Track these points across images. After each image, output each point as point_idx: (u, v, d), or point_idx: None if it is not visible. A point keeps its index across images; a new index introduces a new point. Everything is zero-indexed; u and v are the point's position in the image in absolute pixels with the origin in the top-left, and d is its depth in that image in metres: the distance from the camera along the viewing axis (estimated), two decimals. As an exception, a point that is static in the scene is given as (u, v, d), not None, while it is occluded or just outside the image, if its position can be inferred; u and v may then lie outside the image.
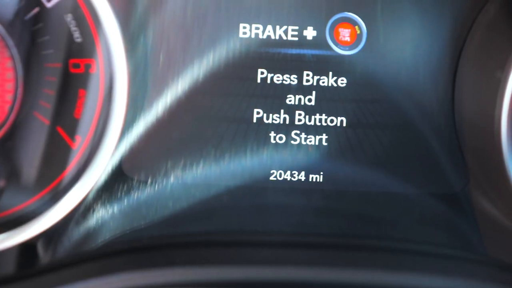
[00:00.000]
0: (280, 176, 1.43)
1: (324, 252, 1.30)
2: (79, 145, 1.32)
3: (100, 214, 1.40)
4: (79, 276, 1.23)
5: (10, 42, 1.28)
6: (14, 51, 1.28)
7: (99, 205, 1.39)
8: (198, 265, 1.22)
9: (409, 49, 1.41)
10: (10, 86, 1.28)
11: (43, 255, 1.32)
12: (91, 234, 1.39)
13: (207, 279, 1.20)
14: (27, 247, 1.32)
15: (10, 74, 1.28)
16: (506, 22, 1.34)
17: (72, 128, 1.32)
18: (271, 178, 1.43)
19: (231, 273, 1.22)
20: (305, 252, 1.29)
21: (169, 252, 1.26)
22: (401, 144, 1.43)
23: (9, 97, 1.29)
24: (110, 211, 1.40)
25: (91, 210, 1.38)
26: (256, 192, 1.43)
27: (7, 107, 1.29)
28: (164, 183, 1.42)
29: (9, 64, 1.28)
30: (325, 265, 1.24)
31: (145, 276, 1.20)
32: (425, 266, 1.26)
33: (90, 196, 1.36)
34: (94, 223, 1.40)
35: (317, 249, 1.31)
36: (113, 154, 1.32)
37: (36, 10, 1.30)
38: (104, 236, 1.39)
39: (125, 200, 1.41)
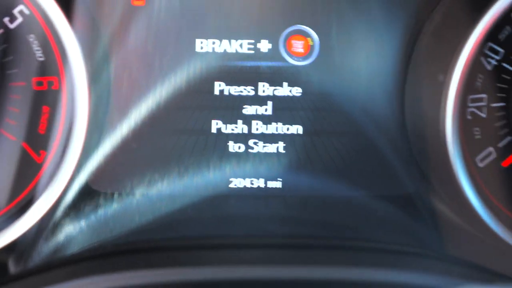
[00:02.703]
0: (240, 183, 1.48)
1: (281, 251, 1.36)
2: (44, 159, 1.37)
3: (68, 228, 1.45)
4: (46, 281, 1.28)
5: (-24, 63, 1.34)
6: (-20, 71, 1.34)
7: (66, 219, 1.44)
8: (159, 267, 1.27)
9: (361, 59, 1.47)
10: (-24, 104, 1.34)
11: (13, 268, 1.37)
12: (59, 248, 1.44)
13: (166, 280, 1.25)
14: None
15: (-25, 93, 1.34)
16: (449, 29, 1.41)
17: (36, 143, 1.38)
18: (231, 185, 1.48)
19: (189, 274, 1.27)
20: (263, 252, 1.35)
21: (131, 256, 1.32)
22: (355, 150, 1.49)
23: (-25, 114, 1.34)
24: (77, 225, 1.45)
25: (59, 225, 1.43)
26: (217, 201, 1.48)
27: (-27, 124, 1.35)
28: (129, 196, 1.46)
29: (-26, 83, 1.34)
30: (283, 263, 1.29)
31: (107, 279, 1.25)
32: (382, 262, 1.32)
33: (57, 210, 1.41)
34: (62, 237, 1.45)
35: (274, 249, 1.36)
36: (77, 167, 1.37)
37: (0, 31, 1.35)
38: (72, 249, 1.44)
39: (92, 214, 1.46)
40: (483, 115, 1.41)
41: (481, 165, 1.42)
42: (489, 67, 1.39)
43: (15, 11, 1.34)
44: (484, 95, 1.41)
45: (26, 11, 1.34)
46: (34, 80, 1.36)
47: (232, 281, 1.27)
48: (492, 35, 1.37)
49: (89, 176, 1.44)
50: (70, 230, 1.44)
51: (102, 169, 1.45)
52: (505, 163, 1.43)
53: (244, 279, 1.26)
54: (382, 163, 1.50)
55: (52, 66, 1.35)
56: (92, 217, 1.45)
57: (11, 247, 1.38)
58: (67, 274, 1.29)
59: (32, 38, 1.35)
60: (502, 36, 1.39)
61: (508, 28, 1.38)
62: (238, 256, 1.36)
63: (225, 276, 1.28)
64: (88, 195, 1.45)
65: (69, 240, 1.44)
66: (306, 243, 1.41)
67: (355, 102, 1.48)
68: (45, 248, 1.42)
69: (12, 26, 1.35)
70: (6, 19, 1.34)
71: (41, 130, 1.37)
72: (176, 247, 1.38)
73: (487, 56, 1.39)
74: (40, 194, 1.36)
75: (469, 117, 1.41)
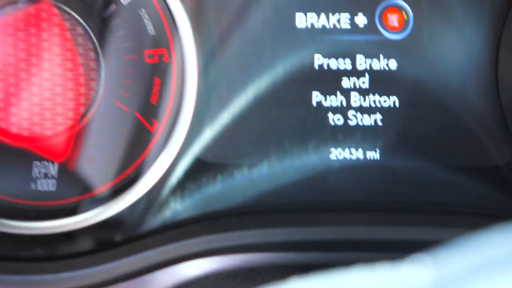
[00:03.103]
0: (340, 154, 1.54)
1: (377, 214, 1.42)
2: (157, 128, 1.45)
3: (174, 201, 1.51)
4: (162, 242, 1.36)
5: (93, 36, 1.42)
6: (97, 44, 1.42)
7: (177, 189, 1.50)
8: (268, 227, 1.34)
9: (453, 34, 1.52)
10: (94, 75, 1.42)
11: (130, 228, 1.44)
12: (165, 220, 1.51)
13: (276, 240, 1.32)
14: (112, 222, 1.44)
15: (93, 64, 1.42)
16: None
17: (149, 113, 1.45)
18: (331, 157, 1.54)
19: (293, 234, 1.34)
20: (361, 215, 1.41)
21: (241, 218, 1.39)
22: (449, 122, 1.53)
23: (93, 85, 1.43)
24: (183, 199, 1.52)
25: (166, 198, 1.50)
26: (317, 172, 1.54)
27: (91, 94, 1.43)
28: (237, 167, 1.53)
29: (92, 55, 1.42)
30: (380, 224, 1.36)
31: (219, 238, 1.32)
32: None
33: (168, 180, 1.48)
34: (168, 210, 1.52)
35: (370, 212, 1.43)
36: (187, 137, 1.45)
37: (113, 7, 1.43)
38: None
39: (197, 189, 1.52)
40: None
41: None
42: None
43: (128, -12, 1.42)
44: None
45: None
46: (145, 52, 1.43)
47: (334, 241, 1.33)
48: None
49: (198, 149, 1.50)
50: (176, 203, 1.50)
51: (211, 140, 1.51)
52: None
53: (344, 239, 1.33)
54: (475, 134, 1.54)
55: (162, 39, 1.43)
56: (198, 190, 1.51)
57: (120, 217, 1.45)
58: (178, 235, 1.36)
59: (143, 12, 1.43)
60: None
61: None
62: (338, 218, 1.43)
63: (328, 236, 1.34)
64: (194, 169, 1.51)
65: (175, 214, 1.51)
66: (400, 207, 1.47)
67: (449, 74, 1.52)
68: (152, 221, 1.49)
69: (124, 1, 1.42)
70: (119, -5, 1.42)
71: (153, 100, 1.44)
72: (283, 210, 1.45)
73: None
74: (154, 162, 1.43)
75: None
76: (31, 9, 1.41)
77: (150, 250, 1.38)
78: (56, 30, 1.42)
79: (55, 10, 1.41)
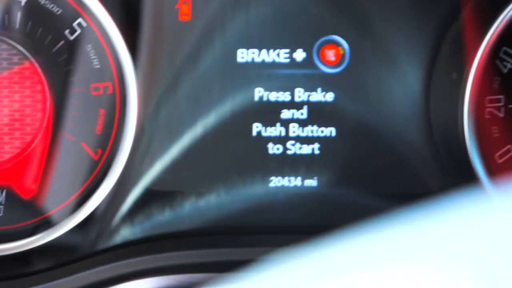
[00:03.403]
0: (279, 182, 1.62)
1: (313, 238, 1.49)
2: (100, 156, 1.54)
3: (123, 229, 1.60)
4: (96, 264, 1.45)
5: (41, 71, 1.51)
6: (45, 78, 1.51)
7: (122, 221, 1.59)
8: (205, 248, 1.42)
9: (388, 66, 1.60)
10: (40, 106, 1.51)
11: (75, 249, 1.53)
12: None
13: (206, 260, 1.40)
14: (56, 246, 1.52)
15: (40, 96, 1.51)
16: (466, 36, 1.53)
17: (94, 142, 1.54)
18: (271, 184, 1.62)
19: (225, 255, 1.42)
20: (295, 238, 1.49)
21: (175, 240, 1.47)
22: (384, 150, 1.61)
23: (39, 115, 1.52)
24: (132, 226, 1.60)
25: (116, 226, 1.59)
26: (258, 200, 1.62)
27: (37, 124, 1.52)
28: (178, 194, 1.61)
29: (39, 88, 1.51)
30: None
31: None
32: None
33: (113, 210, 1.57)
34: (118, 237, 1.60)
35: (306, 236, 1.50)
36: (128, 164, 1.53)
37: (61, 43, 1.53)
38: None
39: (145, 216, 1.61)
40: (501, 114, 1.53)
41: (500, 161, 1.53)
42: (505, 70, 1.51)
43: (75, 24, 1.51)
44: (501, 96, 1.52)
45: (84, 24, 1.51)
46: (91, 85, 1.52)
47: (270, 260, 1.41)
48: (506, 39, 1.49)
49: (148, 176, 1.59)
50: (125, 232, 1.59)
51: (159, 169, 1.59)
52: None
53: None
54: (409, 163, 1.62)
55: (107, 72, 1.52)
56: (146, 220, 1.60)
57: (66, 239, 1.54)
58: (115, 256, 1.45)
59: (89, 48, 1.52)
60: (516, 41, 1.51)
61: (522, 33, 1.51)
62: (273, 240, 1.51)
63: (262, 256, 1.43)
64: (140, 196, 1.59)
65: (123, 241, 1.59)
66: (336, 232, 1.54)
67: (384, 105, 1.61)
68: (99, 247, 1.58)
69: (71, 37, 1.52)
70: (66, 32, 1.51)
71: (98, 130, 1.53)
72: (217, 232, 1.53)
73: (502, 60, 1.51)
74: (97, 189, 1.52)
75: (487, 116, 1.52)
76: (-22, 43, 1.51)
77: (84, 271, 1.46)
78: (5, 64, 1.51)
79: (3, 45, 1.50)
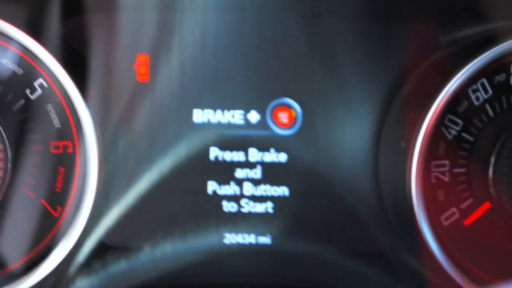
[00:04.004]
0: (233, 239, 1.67)
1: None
2: (60, 214, 1.57)
3: (80, 281, 1.63)
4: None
5: (1, 129, 1.54)
6: (4, 136, 1.54)
7: (78, 272, 1.62)
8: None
9: (339, 128, 1.66)
10: (1, 164, 1.54)
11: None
12: None
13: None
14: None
15: (1, 155, 1.54)
16: (413, 103, 1.60)
17: (54, 200, 1.57)
18: (225, 241, 1.67)
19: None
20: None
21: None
22: (335, 211, 1.66)
23: (1, 173, 1.55)
24: (89, 279, 1.64)
25: (72, 277, 1.62)
26: (212, 256, 1.67)
27: (-1, 182, 1.55)
28: (134, 251, 1.65)
29: (0, 146, 1.54)
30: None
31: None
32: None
33: (71, 263, 1.60)
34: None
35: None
36: (89, 222, 1.57)
37: (22, 101, 1.56)
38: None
39: (102, 268, 1.64)
40: (446, 179, 1.59)
41: (445, 223, 1.60)
42: (450, 137, 1.58)
43: (36, 84, 1.55)
44: (446, 161, 1.59)
45: (45, 84, 1.55)
46: (51, 144, 1.56)
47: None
48: (450, 108, 1.56)
49: (101, 232, 1.63)
50: (81, 284, 1.62)
51: (111, 226, 1.63)
52: (467, 222, 1.60)
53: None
54: (359, 223, 1.67)
55: (67, 132, 1.55)
56: (102, 272, 1.64)
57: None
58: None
59: (49, 107, 1.55)
60: (460, 109, 1.58)
61: (465, 102, 1.57)
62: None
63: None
64: (99, 251, 1.63)
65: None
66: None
67: (335, 167, 1.66)
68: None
69: (32, 97, 1.55)
70: (27, 91, 1.55)
71: (58, 188, 1.56)
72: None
73: (447, 126, 1.58)
74: (57, 245, 1.55)
75: (433, 180, 1.59)
76: None
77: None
78: (-34, 123, 1.54)
79: (-35, 103, 1.54)
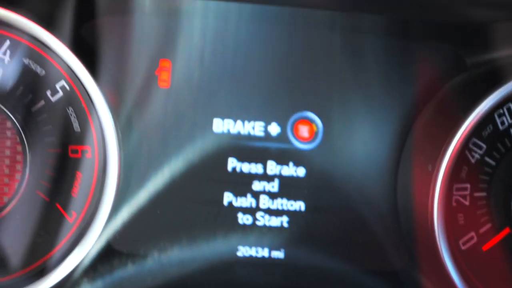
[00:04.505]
0: (246, 252, 1.65)
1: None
2: (75, 220, 1.54)
3: (86, 285, 1.60)
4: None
5: (20, 130, 1.51)
6: (23, 137, 1.51)
7: (85, 278, 1.60)
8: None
9: (359, 145, 1.65)
10: (19, 167, 1.51)
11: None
12: None
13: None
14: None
15: (19, 157, 1.51)
16: (437, 125, 1.59)
17: (69, 205, 1.54)
18: (238, 253, 1.65)
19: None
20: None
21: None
22: (351, 227, 1.65)
23: (17, 176, 1.51)
24: (95, 283, 1.61)
25: (79, 283, 1.59)
26: (224, 267, 1.65)
27: (15, 184, 1.51)
28: (144, 259, 1.63)
29: (19, 148, 1.51)
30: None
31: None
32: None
33: (78, 269, 1.57)
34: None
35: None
36: (104, 228, 1.54)
37: (41, 103, 1.53)
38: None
39: (109, 274, 1.62)
40: (467, 203, 1.58)
41: (463, 248, 1.59)
42: (473, 160, 1.57)
43: (57, 86, 1.52)
44: (468, 185, 1.58)
45: (67, 87, 1.52)
46: (70, 147, 1.53)
47: None
48: (476, 131, 1.55)
49: (112, 238, 1.60)
50: (86, 285, 1.59)
51: (123, 231, 1.61)
52: (485, 247, 1.59)
53: None
54: (374, 241, 1.66)
55: (86, 136, 1.52)
56: (108, 277, 1.61)
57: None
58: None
59: (70, 110, 1.52)
60: (485, 133, 1.57)
61: (490, 126, 1.56)
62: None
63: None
64: (107, 255, 1.60)
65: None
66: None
67: (353, 184, 1.65)
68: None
69: (53, 99, 1.52)
70: (48, 92, 1.51)
71: (74, 193, 1.53)
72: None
73: (471, 150, 1.56)
74: (70, 252, 1.52)
75: (454, 204, 1.58)
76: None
77: None
78: (-14, 123, 1.50)
79: (-15, 102, 1.50)
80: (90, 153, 1.52)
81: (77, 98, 1.52)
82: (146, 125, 1.59)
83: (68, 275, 1.53)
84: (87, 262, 1.57)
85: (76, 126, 1.53)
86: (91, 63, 1.52)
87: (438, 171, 1.51)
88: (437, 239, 1.53)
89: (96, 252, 1.58)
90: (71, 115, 1.52)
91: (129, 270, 1.62)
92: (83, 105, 1.52)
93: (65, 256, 1.50)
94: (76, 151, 1.52)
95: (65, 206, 1.53)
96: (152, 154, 1.60)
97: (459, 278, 1.55)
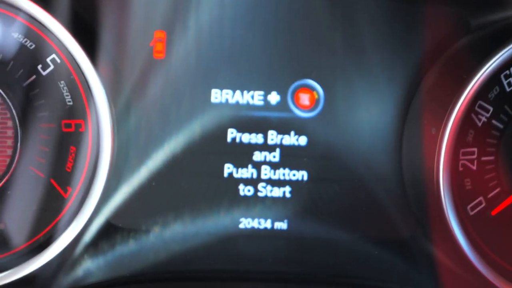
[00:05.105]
0: (249, 224, 1.61)
1: (281, 285, 1.49)
2: (70, 194, 1.50)
3: (87, 262, 1.57)
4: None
5: (11, 105, 1.47)
6: (14, 112, 1.47)
7: (85, 253, 1.57)
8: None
9: (362, 112, 1.60)
10: (10, 142, 1.47)
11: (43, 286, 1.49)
12: (78, 282, 1.56)
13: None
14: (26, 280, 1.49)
15: (10, 132, 1.47)
16: (442, 88, 1.54)
17: (63, 180, 1.50)
18: (240, 225, 1.61)
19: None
20: (266, 286, 1.48)
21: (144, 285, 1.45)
22: (355, 197, 1.61)
23: (9, 152, 1.48)
24: (95, 260, 1.58)
25: (79, 259, 1.56)
26: (226, 240, 1.61)
27: (7, 161, 1.48)
28: (145, 233, 1.59)
29: (9, 124, 1.47)
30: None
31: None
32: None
33: (78, 244, 1.54)
34: (81, 271, 1.57)
35: (276, 284, 1.50)
36: (99, 203, 1.50)
37: (33, 77, 1.49)
38: (90, 282, 1.57)
39: (110, 250, 1.58)
40: (474, 167, 1.53)
41: (471, 213, 1.54)
42: (479, 124, 1.52)
43: (48, 60, 1.48)
44: (474, 149, 1.53)
45: (58, 60, 1.48)
46: (63, 122, 1.49)
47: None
48: (482, 94, 1.50)
49: (110, 213, 1.57)
50: (88, 264, 1.56)
51: (121, 207, 1.57)
52: (494, 212, 1.54)
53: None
54: (379, 209, 1.62)
55: (79, 110, 1.49)
56: (110, 253, 1.58)
57: (32, 278, 1.50)
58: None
59: (62, 84, 1.48)
60: (491, 95, 1.51)
61: (497, 88, 1.51)
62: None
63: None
64: (107, 232, 1.57)
65: (87, 274, 1.56)
66: (305, 279, 1.54)
67: (356, 152, 1.60)
68: (63, 281, 1.55)
69: (44, 73, 1.48)
70: (39, 67, 1.48)
71: (68, 168, 1.50)
72: (187, 278, 1.51)
73: (477, 113, 1.51)
74: (66, 227, 1.48)
75: (461, 168, 1.53)
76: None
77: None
78: (-24, 99, 1.47)
79: (-25, 79, 1.47)
80: (83, 127, 1.49)
81: (68, 71, 1.48)
82: (142, 97, 1.56)
83: (68, 251, 1.50)
84: (87, 238, 1.54)
85: (68, 100, 1.49)
86: (82, 35, 1.48)
87: (443, 135, 1.47)
88: (444, 205, 1.49)
89: (96, 228, 1.55)
90: (63, 89, 1.49)
91: (130, 246, 1.58)
92: (75, 78, 1.48)
93: (61, 231, 1.47)
94: (69, 125, 1.49)
95: (60, 181, 1.50)
96: (150, 127, 1.56)
97: (467, 244, 1.51)
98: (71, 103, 1.49)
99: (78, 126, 1.49)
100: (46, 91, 1.49)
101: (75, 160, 1.50)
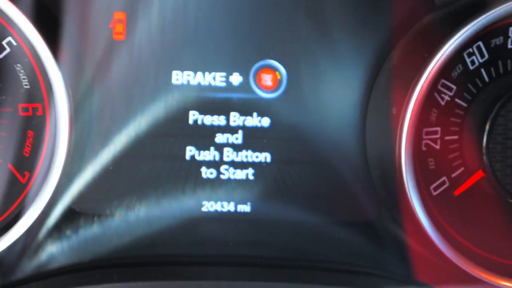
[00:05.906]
0: (212, 207, 1.59)
1: (246, 269, 1.47)
2: (28, 179, 1.48)
3: (50, 247, 1.55)
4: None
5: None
6: (-29, 96, 1.45)
7: (48, 238, 1.54)
8: (131, 281, 1.39)
9: (326, 92, 1.58)
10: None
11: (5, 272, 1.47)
12: (41, 266, 1.54)
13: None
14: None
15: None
16: (405, 66, 1.52)
17: (21, 164, 1.48)
18: (203, 209, 1.59)
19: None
20: (230, 270, 1.47)
21: (107, 271, 1.43)
22: (320, 178, 1.59)
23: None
24: (59, 244, 1.56)
25: (41, 243, 1.54)
26: (190, 223, 1.59)
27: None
28: (108, 218, 1.57)
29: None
30: (247, 280, 1.41)
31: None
32: (339, 281, 1.44)
33: (40, 229, 1.52)
34: (44, 256, 1.55)
35: (240, 267, 1.48)
36: (59, 188, 1.48)
37: (-12, 61, 1.46)
38: (53, 267, 1.55)
39: (73, 234, 1.56)
40: (437, 146, 1.52)
41: (435, 193, 1.53)
42: (442, 102, 1.50)
43: (4, 42, 1.45)
44: (438, 128, 1.52)
45: (14, 43, 1.45)
46: (20, 106, 1.46)
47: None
48: (444, 72, 1.48)
49: (71, 198, 1.55)
50: (52, 249, 1.54)
51: (83, 191, 1.55)
52: (457, 192, 1.53)
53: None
54: (344, 191, 1.60)
55: (37, 93, 1.46)
56: (73, 238, 1.56)
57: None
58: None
59: (19, 67, 1.46)
60: (454, 74, 1.50)
61: (460, 66, 1.50)
62: (206, 273, 1.48)
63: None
64: (70, 216, 1.55)
65: (50, 258, 1.54)
66: (269, 263, 1.52)
67: (320, 132, 1.58)
68: (27, 266, 1.53)
69: (0, 56, 1.45)
70: (-6, 50, 1.45)
71: (26, 153, 1.47)
72: (150, 263, 1.49)
73: (440, 92, 1.50)
74: (24, 212, 1.46)
75: (424, 148, 1.51)
76: None
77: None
78: None
79: None
80: (41, 110, 1.47)
81: (24, 54, 1.46)
82: (103, 79, 1.53)
83: (29, 236, 1.48)
84: (50, 223, 1.52)
85: (25, 83, 1.47)
86: (39, 16, 1.45)
87: (405, 114, 1.45)
88: (406, 185, 1.48)
89: (59, 213, 1.52)
90: (19, 72, 1.46)
91: (94, 230, 1.56)
92: (32, 61, 1.46)
93: (20, 216, 1.44)
94: (26, 109, 1.47)
95: (17, 166, 1.48)
96: (112, 110, 1.54)
97: (429, 224, 1.50)
98: (28, 87, 1.46)
99: (35, 110, 1.47)
100: (2, 75, 1.46)
101: (33, 144, 1.47)
